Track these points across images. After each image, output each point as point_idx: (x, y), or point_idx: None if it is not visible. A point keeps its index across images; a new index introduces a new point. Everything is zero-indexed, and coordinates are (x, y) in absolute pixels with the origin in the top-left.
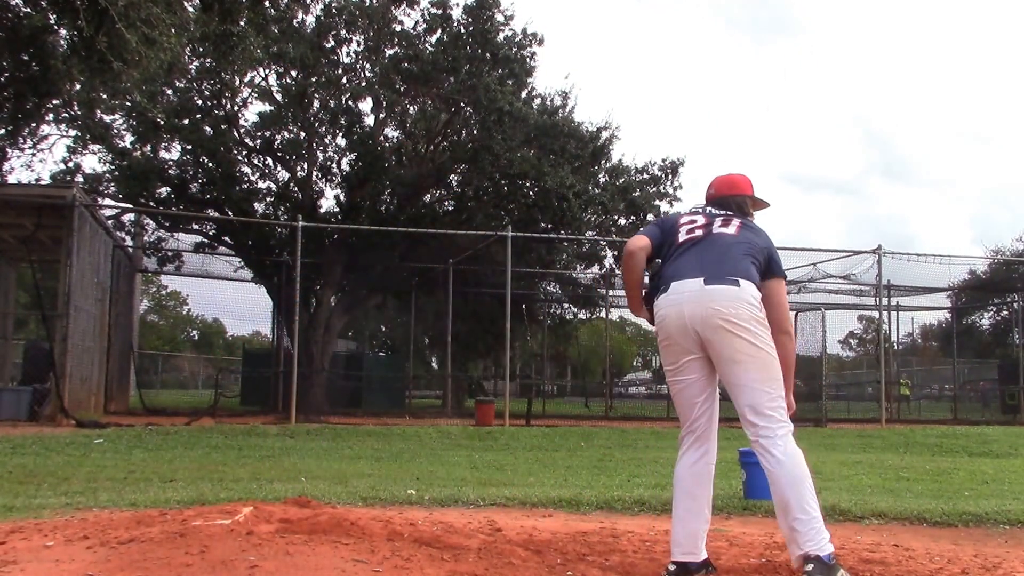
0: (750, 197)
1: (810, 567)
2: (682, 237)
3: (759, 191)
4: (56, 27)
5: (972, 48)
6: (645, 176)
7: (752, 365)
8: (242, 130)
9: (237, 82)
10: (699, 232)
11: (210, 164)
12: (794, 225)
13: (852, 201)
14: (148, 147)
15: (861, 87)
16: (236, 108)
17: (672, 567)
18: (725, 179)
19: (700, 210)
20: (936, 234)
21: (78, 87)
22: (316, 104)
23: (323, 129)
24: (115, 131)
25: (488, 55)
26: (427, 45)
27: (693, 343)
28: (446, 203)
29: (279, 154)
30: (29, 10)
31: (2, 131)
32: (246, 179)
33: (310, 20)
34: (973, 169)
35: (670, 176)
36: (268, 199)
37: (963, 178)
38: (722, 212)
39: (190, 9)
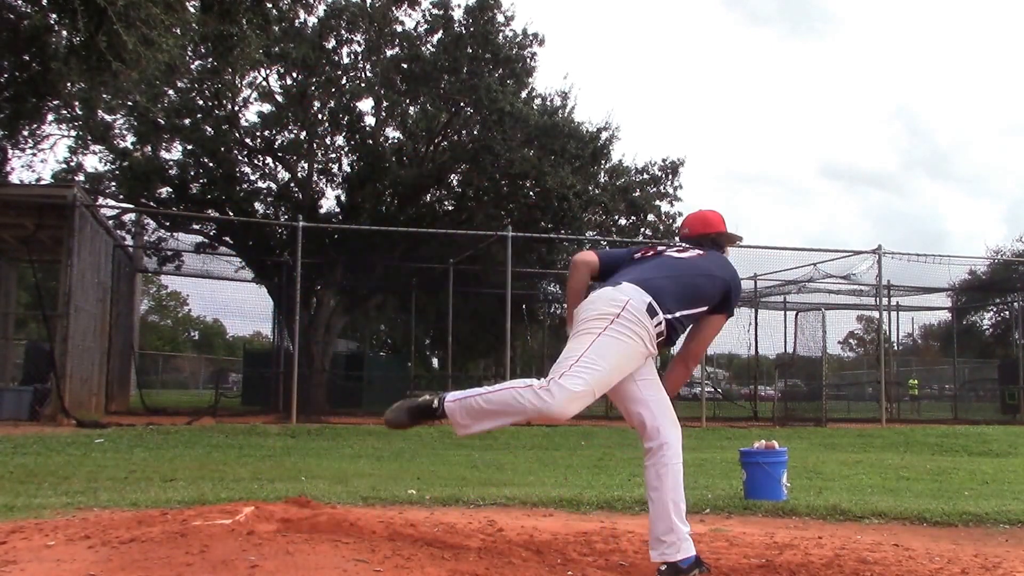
0: (724, 233)
1: None
2: (635, 260)
3: (797, 186)
4: (56, 27)
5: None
6: (645, 176)
7: (568, 344)
8: (243, 130)
9: (238, 82)
10: (648, 255)
11: (211, 164)
12: (825, 222)
13: (887, 197)
14: (149, 147)
15: (901, 79)
16: (237, 108)
17: (663, 567)
18: (698, 217)
19: (668, 244)
20: (968, 232)
21: (78, 87)
22: (317, 104)
23: (324, 129)
24: (116, 131)
25: (489, 55)
26: (428, 46)
27: None
28: (446, 203)
29: (280, 154)
30: (29, 10)
31: (2, 132)
32: (247, 179)
33: (312, 20)
34: (1011, 165)
35: (670, 176)
36: (269, 199)
37: (1001, 174)
38: (691, 246)
39: (191, 9)
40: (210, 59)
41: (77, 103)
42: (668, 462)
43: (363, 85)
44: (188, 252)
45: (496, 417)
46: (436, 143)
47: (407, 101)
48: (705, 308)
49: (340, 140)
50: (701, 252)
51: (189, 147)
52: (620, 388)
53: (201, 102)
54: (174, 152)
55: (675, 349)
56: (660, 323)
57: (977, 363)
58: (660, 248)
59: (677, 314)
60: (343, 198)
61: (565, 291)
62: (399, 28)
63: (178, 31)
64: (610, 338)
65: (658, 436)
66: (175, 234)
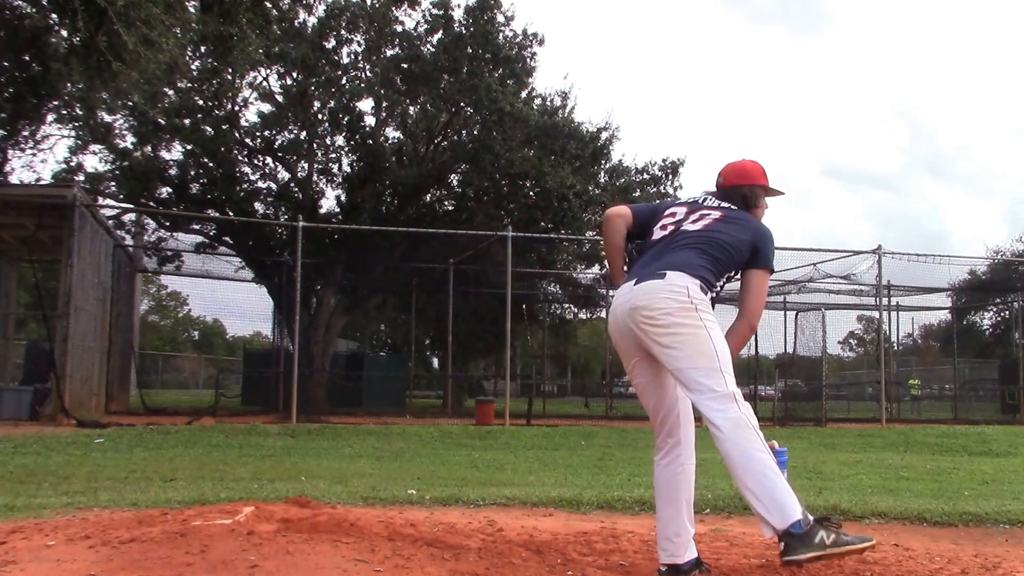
0: (761, 186)
1: (783, 545)
2: (654, 235)
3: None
4: (56, 27)
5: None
6: (645, 176)
7: (679, 348)
8: (243, 130)
9: (238, 82)
10: (667, 231)
11: (211, 164)
12: (826, 222)
13: (887, 197)
14: (149, 147)
15: (902, 79)
16: (237, 108)
17: (663, 568)
18: (735, 167)
19: (693, 200)
20: (968, 232)
21: (79, 87)
22: (317, 104)
23: (324, 129)
24: (116, 131)
25: (489, 55)
26: (428, 46)
27: (634, 346)
28: (446, 203)
29: (280, 154)
30: (29, 10)
31: (2, 132)
32: (247, 179)
33: (311, 20)
34: (1012, 165)
35: (670, 176)
36: (269, 199)
37: (1001, 173)
38: (713, 204)
39: (191, 9)
40: (210, 59)
41: (77, 104)
42: (684, 462)
43: (363, 85)
44: (188, 252)
45: (770, 464)
46: (436, 143)
47: (407, 101)
48: (732, 272)
49: (340, 140)
50: (718, 215)
51: (189, 147)
52: (661, 378)
53: (201, 102)
54: (174, 152)
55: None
56: (711, 298)
57: (977, 363)
58: (675, 224)
59: (717, 287)
60: (343, 198)
61: (604, 249)
62: (399, 28)
63: (178, 31)
64: (712, 329)
65: (677, 433)
66: (175, 234)
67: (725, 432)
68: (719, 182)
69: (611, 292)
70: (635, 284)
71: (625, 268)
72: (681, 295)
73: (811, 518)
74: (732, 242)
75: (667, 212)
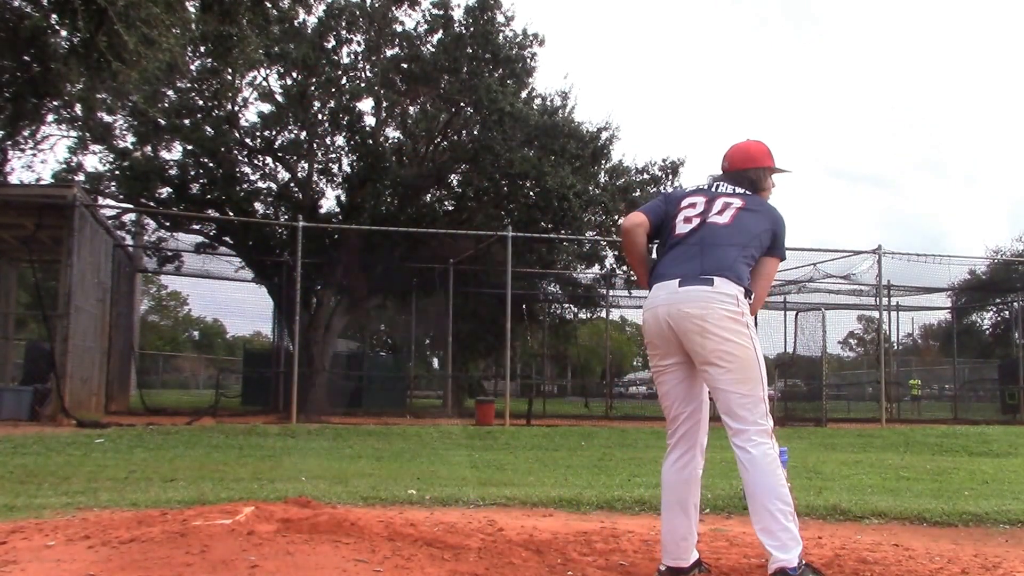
0: (766, 168)
1: None
2: (677, 228)
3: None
4: (56, 27)
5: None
6: (645, 176)
7: (726, 367)
8: (243, 130)
9: (238, 82)
10: (693, 224)
11: (211, 164)
12: (827, 222)
13: (887, 197)
14: (149, 147)
15: (903, 78)
16: (237, 108)
17: (662, 568)
18: (740, 149)
19: (705, 187)
20: (968, 232)
21: (78, 87)
22: (317, 104)
23: (324, 129)
24: (116, 131)
25: (489, 55)
26: (428, 46)
27: (673, 347)
28: (446, 203)
29: (280, 154)
30: (29, 10)
31: (2, 132)
32: (247, 179)
33: (311, 20)
34: (1012, 165)
35: (670, 176)
36: (269, 199)
37: (1001, 174)
38: (728, 191)
39: (191, 9)
40: (210, 59)
41: (77, 103)
42: (697, 467)
43: (363, 85)
44: (188, 252)
45: (790, 502)
46: (436, 143)
47: (407, 101)
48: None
49: (340, 140)
50: (740, 204)
51: (189, 147)
52: (692, 382)
53: (201, 102)
54: (174, 152)
55: None
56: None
57: (977, 363)
58: (699, 216)
59: (747, 282)
60: (343, 198)
61: (628, 259)
62: (399, 28)
63: (178, 31)
64: (758, 347)
65: (695, 437)
66: (175, 234)
67: (760, 465)
68: (724, 166)
69: (611, 292)
70: (679, 285)
71: (651, 263)
72: (731, 305)
73: (804, 563)
74: (759, 232)
75: (685, 203)
